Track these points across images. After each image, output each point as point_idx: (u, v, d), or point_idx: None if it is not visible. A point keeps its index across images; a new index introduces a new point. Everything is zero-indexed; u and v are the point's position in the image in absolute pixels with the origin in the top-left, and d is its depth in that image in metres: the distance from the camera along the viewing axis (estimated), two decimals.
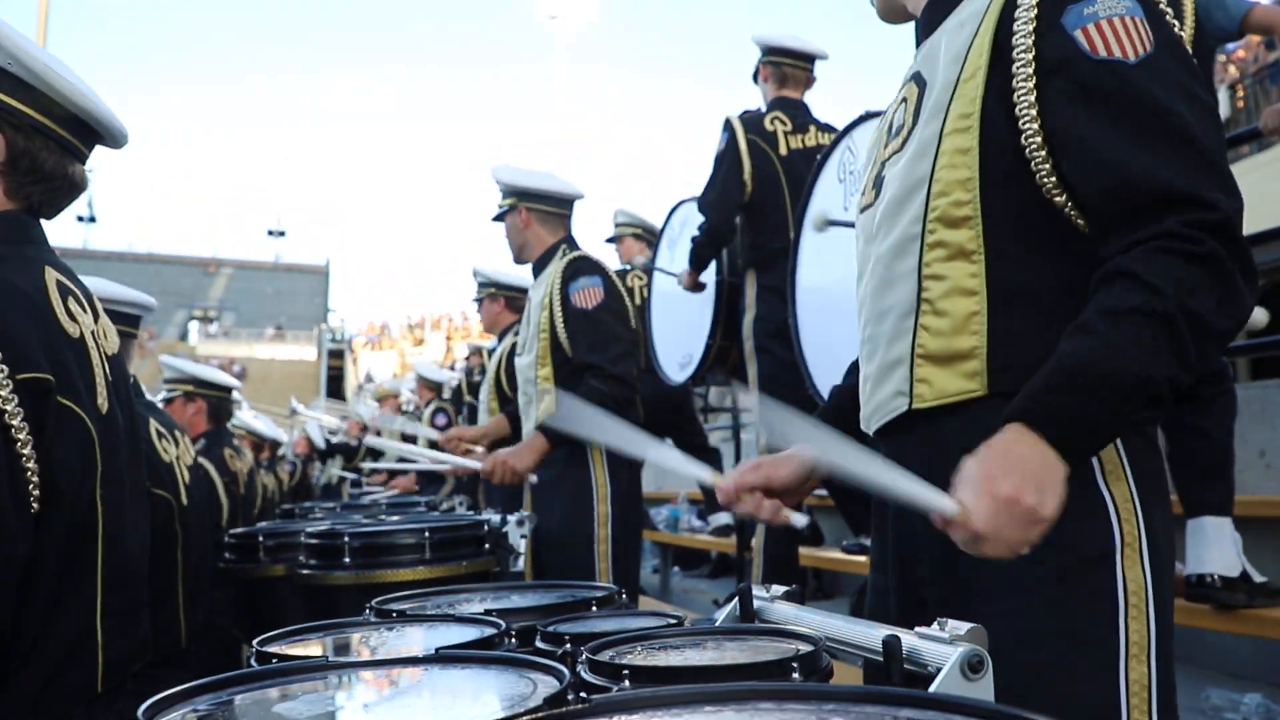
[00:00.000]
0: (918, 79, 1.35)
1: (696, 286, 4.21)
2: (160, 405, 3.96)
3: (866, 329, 1.37)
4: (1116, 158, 1.11)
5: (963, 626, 0.94)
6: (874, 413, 1.34)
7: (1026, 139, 1.17)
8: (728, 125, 4.04)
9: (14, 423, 1.45)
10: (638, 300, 5.33)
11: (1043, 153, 1.17)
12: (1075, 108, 1.15)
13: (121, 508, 1.69)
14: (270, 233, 59.38)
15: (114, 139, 1.80)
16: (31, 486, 1.47)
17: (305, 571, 2.29)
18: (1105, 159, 1.12)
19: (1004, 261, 1.20)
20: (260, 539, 2.90)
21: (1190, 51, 1.20)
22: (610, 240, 5.89)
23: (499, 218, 3.44)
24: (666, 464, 1.39)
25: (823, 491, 4.41)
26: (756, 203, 3.97)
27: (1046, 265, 1.20)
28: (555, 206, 3.40)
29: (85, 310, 1.73)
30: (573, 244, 3.39)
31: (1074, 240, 1.20)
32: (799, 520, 1.40)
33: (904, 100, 1.37)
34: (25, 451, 1.46)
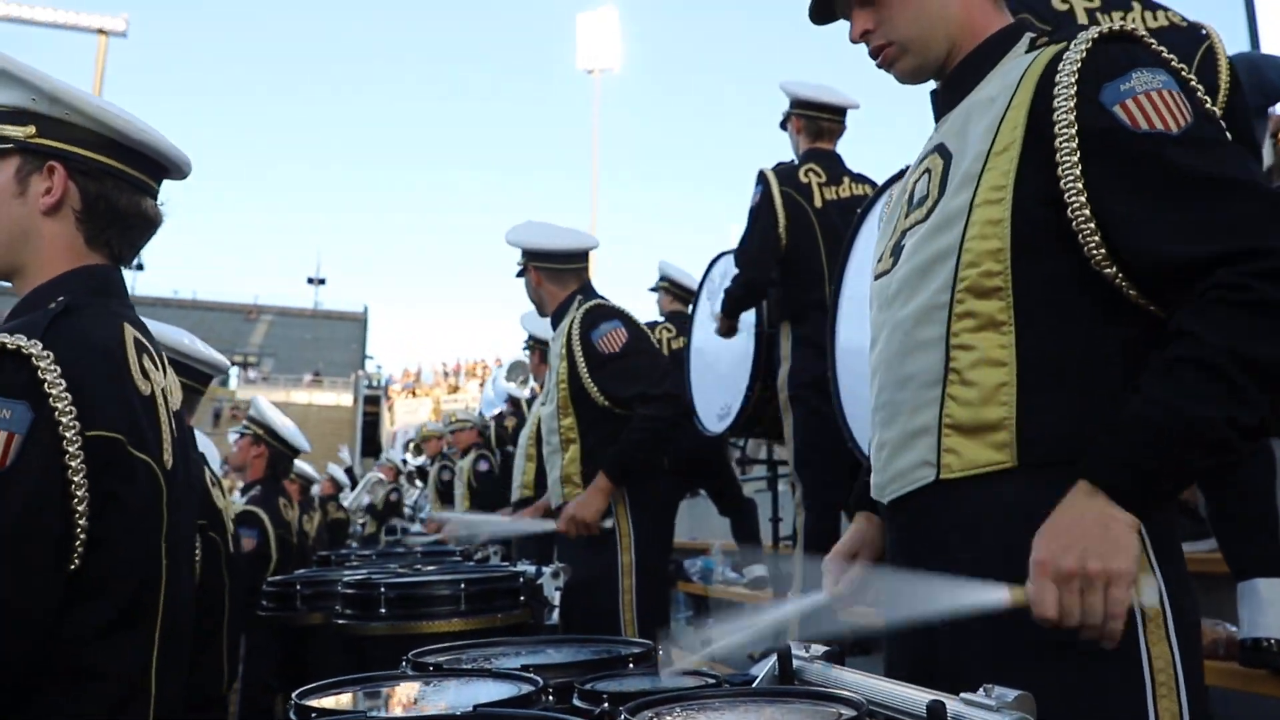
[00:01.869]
0: (942, 151, 1.36)
1: (730, 330, 4.20)
2: (231, 439, 4.03)
3: (882, 395, 1.37)
4: (1168, 231, 1.12)
5: (1010, 694, 0.92)
6: (892, 480, 1.33)
7: (1074, 212, 1.17)
8: (762, 178, 4.02)
9: (75, 478, 1.47)
10: (666, 350, 5.36)
11: (1091, 225, 1.17)
12: (1122, 183, 1.15)
13: (180, 561, 1.71)
14: (310, 280, 60.38)
15: (179, 169, 1.83)
16: (78, 543, 1.48)
17: (341, 621, 2.29)
18: (1157, 232, 1.13)
19: (1034, 332, 1.20)
20: (298, 587, 2.91)
21: (1221, 117, 1.23)
22: (653, 290, 5.94)
23: (520, 275, 3.56)
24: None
25: None
26: (791, 255, 3.97)
27: (1077, 335, 1.20)
28: (563, 263, 3.48)
29: (157, 367, 1.76)
30: (588, 293, 3.44)
31: (1105, 308, 1.20)
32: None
33: (927, 171, 1.38)
34: (80, 509, 1.47)
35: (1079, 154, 1.17)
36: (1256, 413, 1.05)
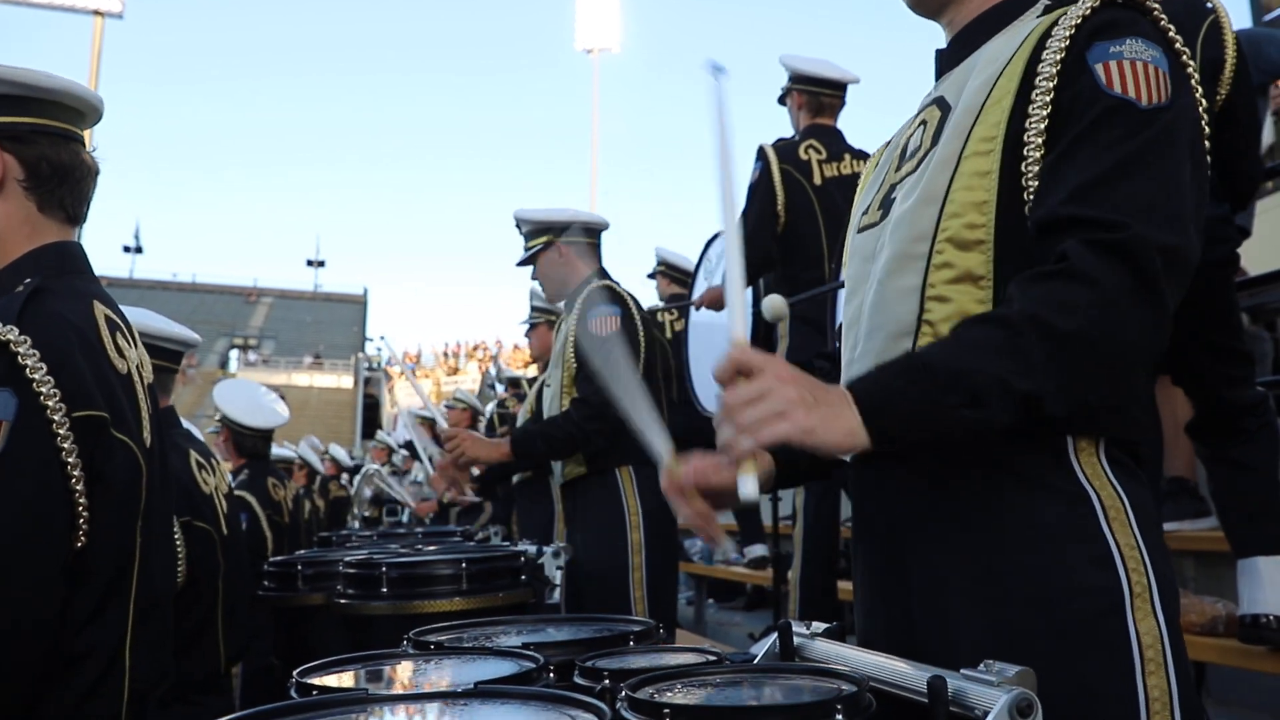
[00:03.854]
0: (940, 103, 1.34)
1: (717, 304, 4.18)
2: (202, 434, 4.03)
3: (855, 349, 1.33)
4: (1069, 184, 1.11)
5: (1010, 669, 0.92)
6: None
7: (1026, 166, 1.17)
8: (761, 154, 4.00)
9: (70, 459, 1.46)
10: (668, 333, 5.36)
11: (1036, 182, 1.16)
12: (1071, 135, 1.14)
13: (155, 540, 1.70)
14: (310, 262, 60.37)
15: (95, 112, 1.78)
16: (82, 521, 1.48)
17: (343, 601, 2.29)
18: (1054, 192, 1.12)
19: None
20: (299, 567, 2.92)
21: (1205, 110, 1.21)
22: (651, 276, 5.95)
23: (528, 260, 3.44)
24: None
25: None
26: (790, 233, 3.95)
27: None
28: (589, 237, 3.41)
29: (130, 345, 1.75)
30: (603, 274, 3.39)
31: None
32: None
33: (923, 123, 1.36)
34: (79, 489, 1.48)
35: (1050, 108, 1.16)
36: (1038, 382, 1.02)
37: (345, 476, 11.43)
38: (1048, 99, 1.16)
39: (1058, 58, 1.17)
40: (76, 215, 1.74)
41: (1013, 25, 1.32)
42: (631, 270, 5.68)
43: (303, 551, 3.45)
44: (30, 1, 35.36)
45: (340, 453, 11.74)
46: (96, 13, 34.49)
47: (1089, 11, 1.18)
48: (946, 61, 1.40)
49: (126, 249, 55.00)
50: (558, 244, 3.38)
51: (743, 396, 1.05)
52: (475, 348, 46.32)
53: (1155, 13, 1.21)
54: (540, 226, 3.40)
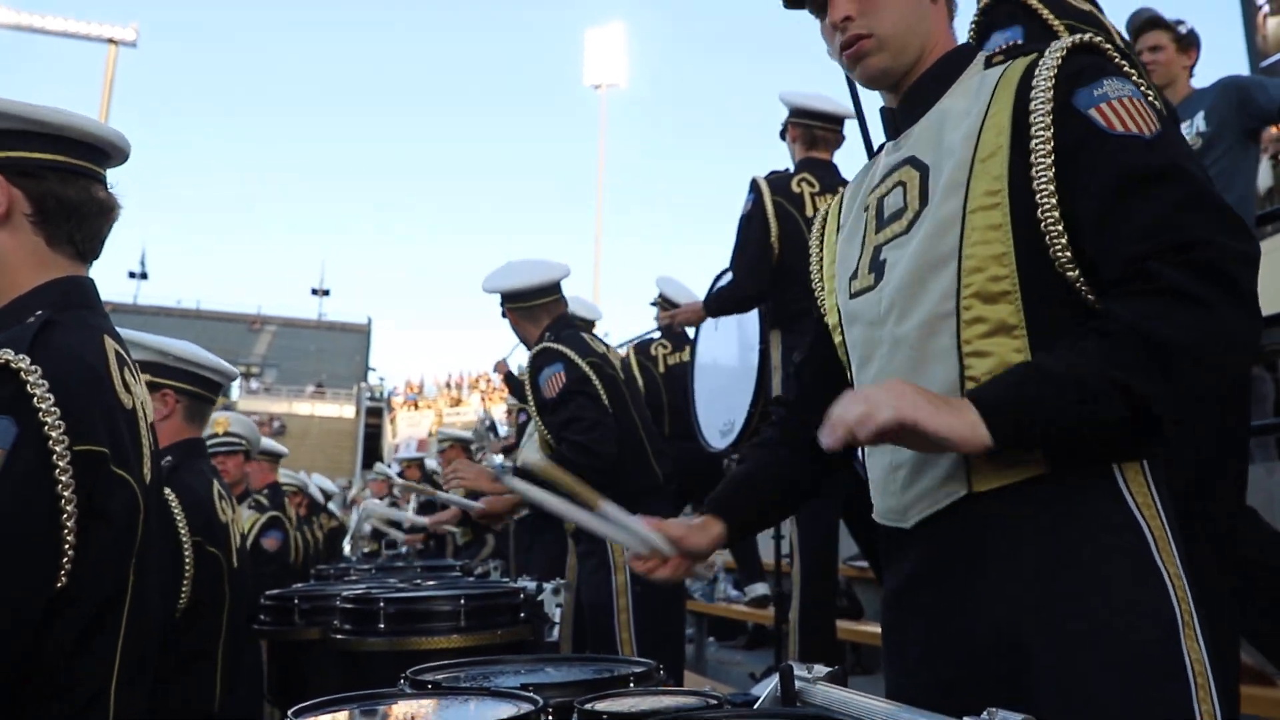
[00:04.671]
0: (914, 163, 1.35)
1: (696, 319, 4.19)
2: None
3: None
4: (1133, 234, 1.14)
5: (1014, 717, 0.91)
6: (917, 501, 1.28)
7: (1043, 213, 1.19)
8: (754, 186, 3.97)
9: (65, 494, 1.45)
10: (660, 368, 5.36)
11: (1059, 228, 1.19)
12: (1096, 183, 1.17)
13: (148, 576, 1.69)
14: (314, 291, 60.53)
15: (118, 151, 1.78)
16: (65, 560, 1.47)
17: (339, 636, 2.27)
18: (1123, 235, 1.15)
19: (1046, 335, 1.19)
20: (295, 601, 2.90)
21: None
22: (653, 304, 5.93)
23: (503, 316, 3.64)
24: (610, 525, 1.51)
25: (863, 564, 4.34)
26: (782, 265, 3.92)
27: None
28: (534, 299, 3.55)
29: (136, 380, 1.74)
30: (556, 327, 3.49)
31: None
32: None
33: (900, 184, 1.36)
34: (69, 525, 1.46)
35: (1053, 156, 1.19)
36: (1146, 385, 1.07)
37: (333, 505, 11.37)
38: (1048, 147, 1.19)
39: (1048, 107, 1.20)
40: (88, 252, 1.73)
41: (962, 81, 1.36)
42: (638, 299, 5.71)
43: (300, 585, 3.43)
44: (46, 29, 35.77)
45: (324, 482, 11.65)
46: (111, 41, 34.89)
47: (1060, 61, 1.23)
48: (901, 120, 1.42)
49: (132, 275, 55.23)
50: (506, 309, 3.59)
51: (856, 397, 1.12)
52: (478, 379, 46.30)
53: (1110, 52, 1.28)
54: (494, 292, 3.59)
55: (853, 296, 1.42)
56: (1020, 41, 2.13)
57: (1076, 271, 1.19)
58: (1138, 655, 1.12)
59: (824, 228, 1.62)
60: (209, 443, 4.53)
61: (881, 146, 1.52)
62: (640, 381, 4.63)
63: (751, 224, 3.90)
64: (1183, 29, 3.69)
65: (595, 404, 3.25)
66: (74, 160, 1.69)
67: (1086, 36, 1.27)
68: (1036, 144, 1.20)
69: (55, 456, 1.44)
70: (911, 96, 1.40)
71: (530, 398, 3.38)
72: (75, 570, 1.49)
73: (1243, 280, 1.09)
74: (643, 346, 5.54)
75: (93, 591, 1.53)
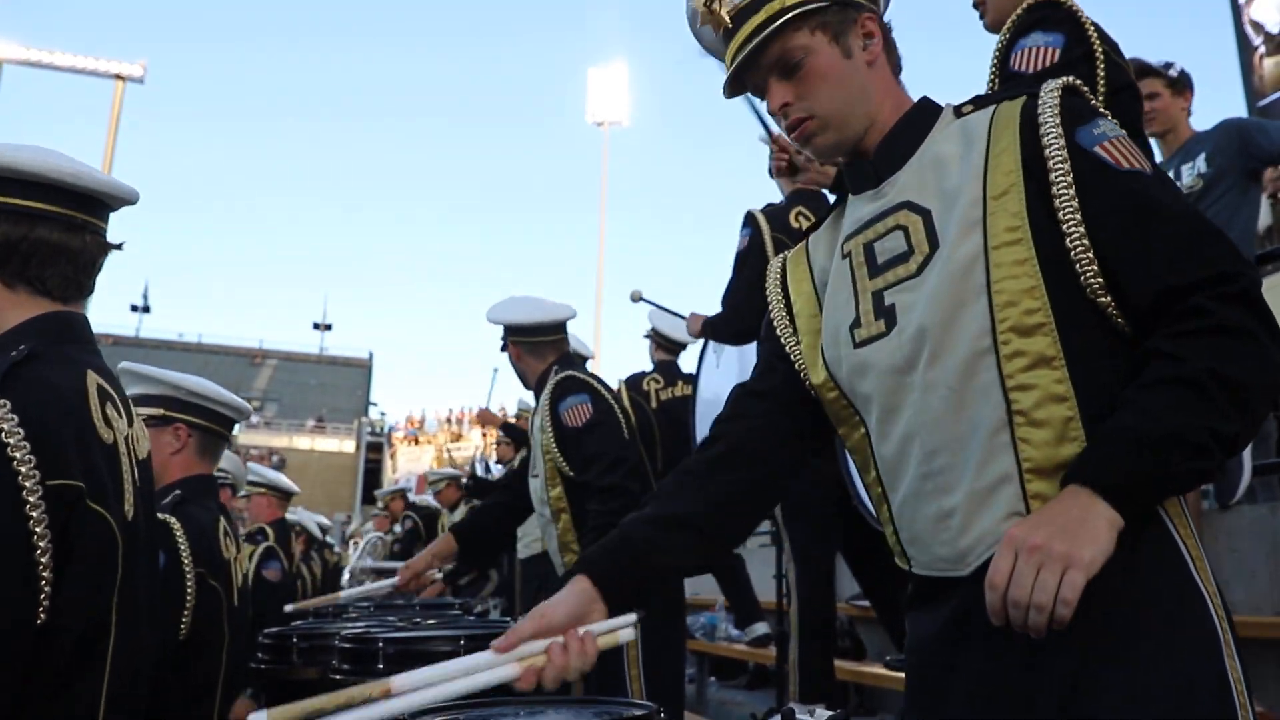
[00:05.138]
0: (912, 207, 1.35)
1: (696, 331, 4.11)
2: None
3: (933, 461, 1.28)
4: (1164, 264, 1.18)
5: None
6: (977, 544, 1.24)
7: (1073, 242, 1.22)
8: (751, 220, 3.89)
9: (38, 529, 1.44)
10: (654, 403, 5.33)
11: (1089, 255, 1.22)
12: (1118, 217, 1.22)
13: (132, 619, 1.66)
14: (316, 325, 60.66)
15: (113, 199, 1.79)
16: (43, 596, 1.45)
17: (337, 677, 2.24)
18: (1156, 265, 1.19)
19: (1085, 363, 1.21)
20: (293, 640, 2.87)
21: None
22: (646, 337, 5.88)
23: (503, 349, 3.63)
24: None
25: (864, 603, 4.30)
26: None
27: (1123, 359, 1.22)
28: (541, 335, 3.54)
29: (120, 415, 1.73)
30: (565, 363, 3.47)
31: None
32: (628, 633, 1.38)
33: (898, 228, 1.35)
34: (44, 560, 1.44)
35: (1074, 188, 1.23)
36: (1232, 426, 1.10)
37: (331, 539, 11.36)
38: (1069, 179, 1.23)
39: (1061, 143, 1.24)
40: (68, 294, 1.73)
41: (940, 129, 1.39)
42: (641, 338, 5.62)
43: (298, 623, 3.40)
44: (54, 65, 36.15)
45: (319, 519, 11.62)
46: (119, 77, 35.24)
47: (1059, 101, 1.28)
48: (881, 169, 1.41)
49: (134, 308, 55.37)
50: (510, 343, 3.57)
51: (1020, 579, 1.08)
52: (479, 414, 46.28)
53: (1088, 93, 1.34)
54: (499, 325, 3.58)
55: (859, 345, 1.38)
56: (1059, 50, 2.19)
57: (1109, 298, 1.22)
58: (1195, 680, 1.13)
59: (782, 278, 1.60)
60: None
61: (841, 199, 1.52)
62: (633, 417, 4.61)
63: (750, 258, 3.82)
64: (1173, 72, 3.70)
65: (618, 437, 3.23)
66: (29, 203, 1.68)
67: (1075, 80, 1.32)
68: (1057, 176, 1.23)
69: (25, 492, 1.43)
70: (888, 148, 1.41)
71: (547, 428, 3.30)
72: (53, 607, 1.47)
73: (1269, 309, 1.15)
74: (634, 382, 5.48)
75: (72, 629, 1.51)
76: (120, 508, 1.63)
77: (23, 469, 1.43)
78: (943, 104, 1.44)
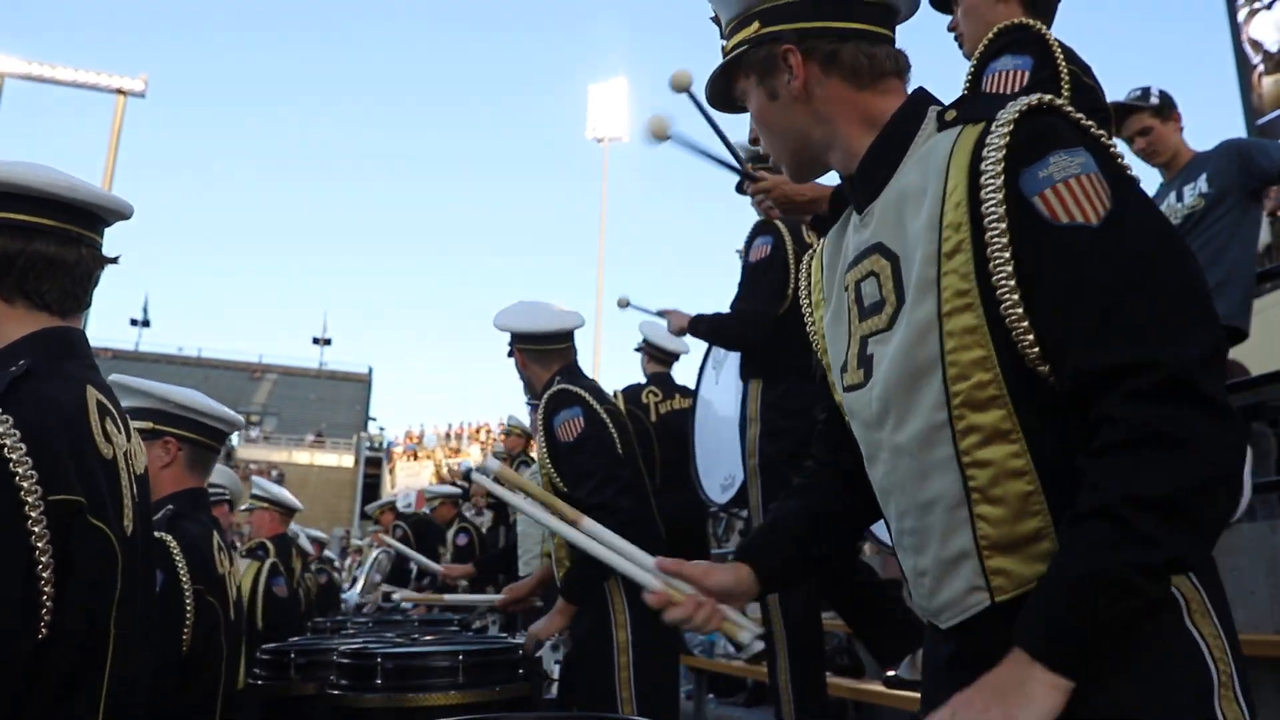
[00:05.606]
0: (883, 250, 1.30)
1: (680, 327, 4.00)
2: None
3: (905, 521, 1.30)
4: (1083, 343, 1.09)
5: None
6: (945, 609, 1.26)
7: (1005, 310, 1.14)
8: (774, 229, 3.79)
9: (39, 544, 1.44)
10: (653, 416, 5.30)
11: (1024, 325, 1.14)
12: (1046, 282, 1.12)
13: (130, 633, 1.66)
14: (315, 340, 60.68)
15: (108, 212, 1.80)
16: (44, 610, 1.45)
17: (335, 692, 2.24)
18: (1075, 342, 1.10)
19: (1043, 436, 1.15)
20: (291, 656, 2.87)
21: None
22: (637, 350, 5.83)
23: (510, 355, 3.60)
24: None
25: None
26: (787, 315, 3.75)
27: (1084, 430, 1.13)
28: (546, 343, 3.49)
29: (119, 430, 1.74)
30: (567, 374, 3.44)
31: None
32: (746, 637, 1.48)
33: (872, 274, 1.32)
34: (45, 575, 1.45)
35: (1010, 250, 1.13)
36: (1164, 549, 1.01)
37: (329, 553, 11.37)
38: (1004, 241, 1.14)
39: (999, 196, 1.14)
40: (63, 307, 1.74)
41: (914, 149, 1.30)
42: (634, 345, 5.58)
43: (296, 639, 3.39)
44: (56, 79, 36.28)
45: (314, 534, 11.61)
46: (120, 91, 35.35)
47: (1007, 140, 1.16)
48: (861, 195, 1.37)
49: (134, 322, 55.39)
50: (516, 350, 3.52)
51: None
52: (478, 429, 46.24)
53: (1065, 109, 1.20)
54: (505, 331, 3.54)
55: (846, 389, 1.39)
56: (1028, 72, 2.19)
57: (1047, 367, 1.14)
58: None
59: (809, 287, 1.56)
60: None
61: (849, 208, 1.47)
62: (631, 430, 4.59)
63: (773, 269, 3.73)
64: (1154, 100, 3.68)
65: (609, 454, 3.21)
66: (57, 223, 1.70)
67: (1045, 99, 1.19)
68: (991, 237, 1.13)
69: (27, 507, 1.43)
70: (866, 172, 1.35)
71: (542, 442, 3.29)
72: (54, 620, 1.47)
73: (1205, 387, 1.03)
74: (633, 394, 5.41)
75: (71, 643, 1.51)
76: (120, 523, 1.64)
77: (25, 484, 1.43)
78: (930, 106, 1.33)
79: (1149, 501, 1.01)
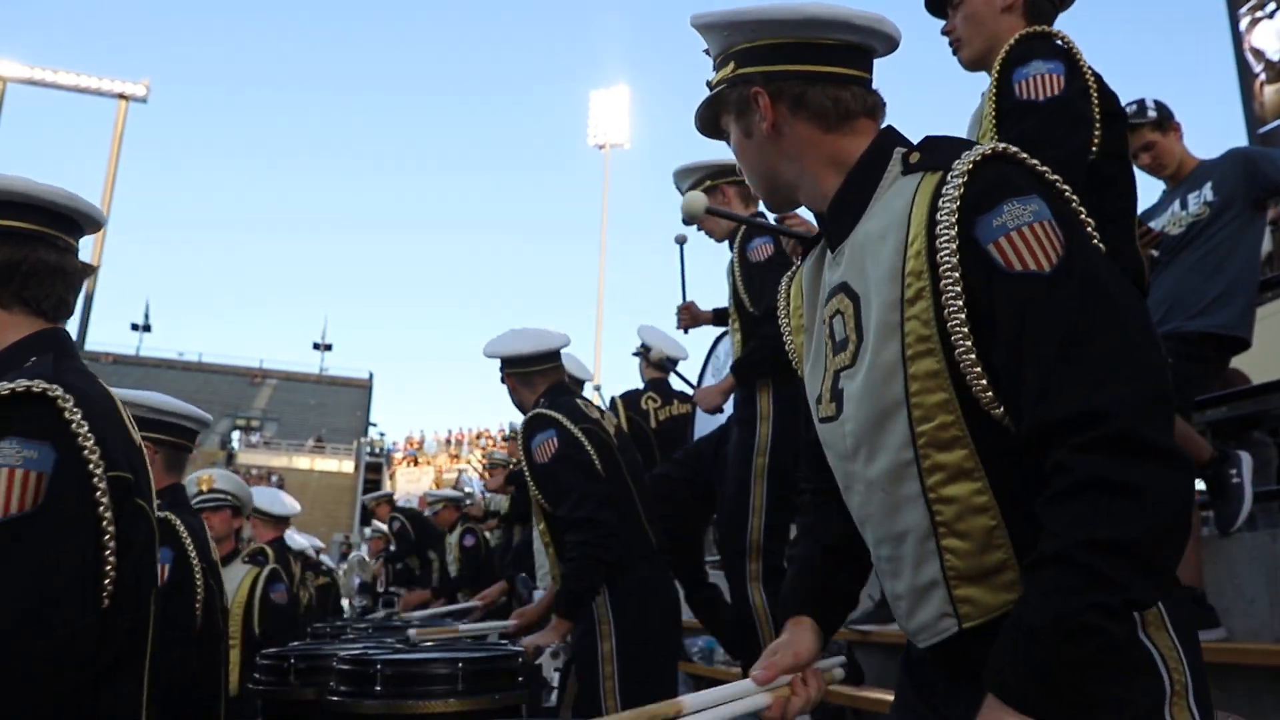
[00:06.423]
0: (847, 291, 1.33)
1: (718, 407, 3.93)
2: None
3: (881, 549, 1.35)
4: (1034, 392, 1.12)
5: None
6: (920, 631, 1.31)
7: (959, 356, 1.18)
8: (771, 231, 3.75)
9: (105, 515, 1.49)
10: (652, 423, 5.30)
11: (978, 369, 1.17)
12: (999, 331, 1.15)
13: (158, 605, 1.72)
14: (316, 345, 60.70)
15: (91, 222, 1.83)
16: (108, 581, 1.50)
17: (335, 698, 2.24)
18: (1027, 392, 1.13)
19: (1005, 473, 1.19)
20: (291, 661, 2.86)
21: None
22: (635, 354, 5.83)
23: (502, 381, 3.70)
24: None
25: (865, 627, 4.28)
26: None
27: (1041, 472, 1.15)
28: (532, 366, 3.60)
29: (133, 425, 1.79)
30: (553, 393, 3.53)
31: None
32: (840, 672, 1.50)
33: (839, 313, 1.35)
34: (110, 545, 1.50)
35: (964, 298, 1.16)
36: (1125, 591, 1.04)
37: (327, 558, 11.36)
38: (959, 289, 1.17)
39: (954, 246, 1.17)
40: (56, 315, 1.78)
41: (880, 194, 1.33)
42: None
43: (296, 644, 3.39)
44: (58, 84, 36.36)
45: (312, 540, 11.61)
46: (122, 96, 35.46)
47: (962, 190, 1.18)
48: (833, 234, 1.40)
49: (135, 326, 55.49)
50: (505, 374, 3.64)
51: None
52: (479, 435, 46.21)
53: (1019, 156, 1.22)
54: (495, 357, 3.64)
55: (821, 421, 1.42)
56: (1062, 76, 2.21)
57: (1001, 410, 1.18)
58: None
59: (788, 311, 1.58)
60: (194, 501, 4.51)
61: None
62: (628, 435, 4.56)
63: (779, 268, 3.65)
64: (1151, 113, 3.67)
65: (586, 471, 3.28)
66: (49, 231, 1.75)
67: (999, 147, 1.22)
68: (946, 285, 1.17)
69: (96, 479, 1.48)
70: (836, 213, 1.39)
71: (525, 465, 3.40)
72: (114, 593, 1.52)
73: (1150, 434, 1.06)
74: (632, 400, 5.43)
75: (124, 618, 1.56)
76: (153, 505, 1.70)
77: (92, 459, 1.48)
78: (896, 148, 1.35)
79: (1106, 545, 1.04)
